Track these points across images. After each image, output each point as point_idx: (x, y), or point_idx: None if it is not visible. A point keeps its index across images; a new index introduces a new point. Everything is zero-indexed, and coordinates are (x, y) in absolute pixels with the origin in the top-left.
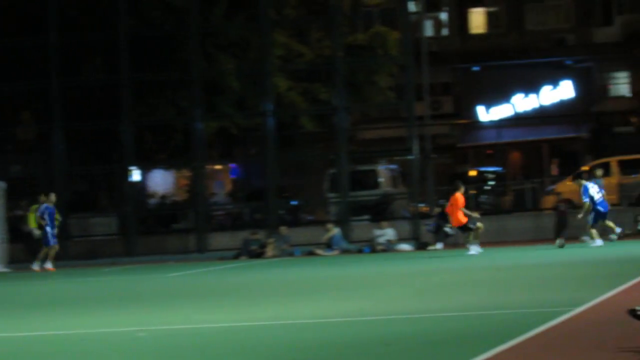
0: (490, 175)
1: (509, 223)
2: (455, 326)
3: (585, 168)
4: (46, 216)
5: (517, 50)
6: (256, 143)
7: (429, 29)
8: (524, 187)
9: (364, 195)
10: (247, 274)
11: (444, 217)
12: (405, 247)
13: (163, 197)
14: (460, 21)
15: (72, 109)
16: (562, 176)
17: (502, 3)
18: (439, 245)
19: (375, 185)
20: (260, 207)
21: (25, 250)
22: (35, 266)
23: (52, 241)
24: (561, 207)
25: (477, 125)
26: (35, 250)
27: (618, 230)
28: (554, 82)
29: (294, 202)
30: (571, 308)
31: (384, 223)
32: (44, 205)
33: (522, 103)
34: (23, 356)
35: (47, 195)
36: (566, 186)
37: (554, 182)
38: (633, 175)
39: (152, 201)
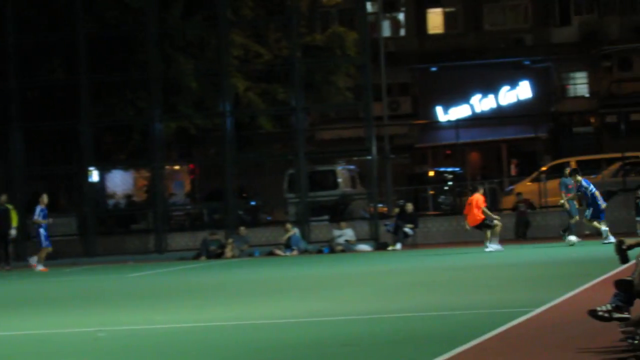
0: (449, 176)
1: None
2: (415, 326)
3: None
4: (41, 218)
5: (475, 50)
6: (215, 143)
7: (386, 30)
8: (484, 187)
9: (323, 195)
10: (207, 274)
11: (402, 218)
12: (364, 247)
13: (122, 197)
14: (418, 21)
15: (31, 109)
16: (521, 176)
17: (459, 3)
18: (398, 246)
19: (334, 185)
20: (219, 207)
21: None
22: (40, 266)
23: (45, 243)
24: (521, 207)
25: (435, 125)
26: None
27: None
28: (513, 82)
29: (253, 203)
30: (532, 308)
31: (343, 223)
32: (38, 207)
33: (480, 103)
34: None
35: (5, 195)
36: (526, 186)
37: (513, 183)
38: (592, 176)
39: (112, 201)
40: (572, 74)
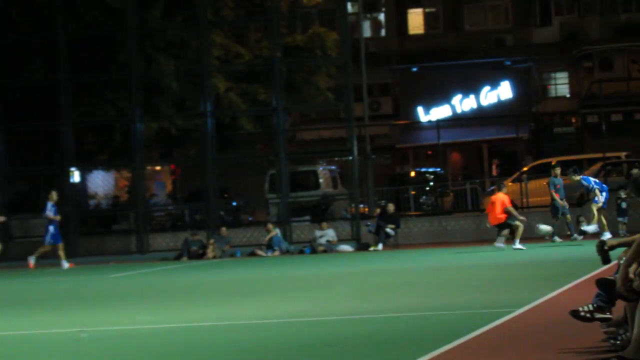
0: (430, 176)
1: (449, 224)
2: (397, 327)
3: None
4: (52, 214)
5: (456, 50)
6: (196, 144)
7: (367, 30)
8: (465, 187)
9: (304, 196)
10: (189, 275)
11: (384, 218)
12: (345, 248)
13: (103, 198)
14: (398, 22)
15: (12, 109)
16: (502, 177)
17: (440, 4)
18: (380, 246)
19: (316, 186)
20: (201, 208)
21: None
22: (31, 260)
23: (48, 241)
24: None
25: (416, 126)
26: None
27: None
28: (494, 83)
29: (234, 203)
30: (513, 309)
31: (325, 224)
32: (49, 203)
33: (461, 104)
34: None
35: None
36: (507, 187)
37: (494, 183)
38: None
39: (93, 202)
40: (553, 74)
